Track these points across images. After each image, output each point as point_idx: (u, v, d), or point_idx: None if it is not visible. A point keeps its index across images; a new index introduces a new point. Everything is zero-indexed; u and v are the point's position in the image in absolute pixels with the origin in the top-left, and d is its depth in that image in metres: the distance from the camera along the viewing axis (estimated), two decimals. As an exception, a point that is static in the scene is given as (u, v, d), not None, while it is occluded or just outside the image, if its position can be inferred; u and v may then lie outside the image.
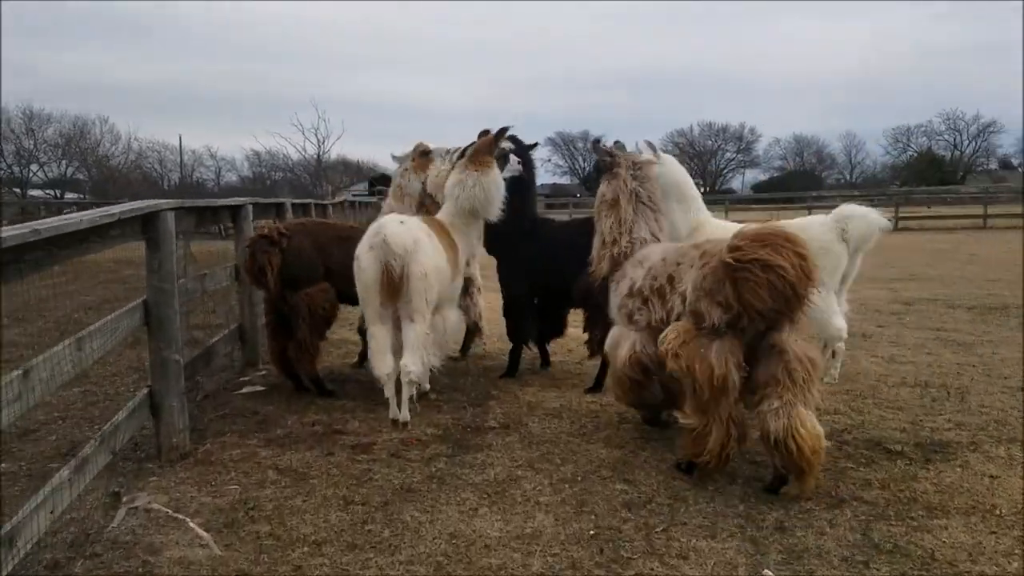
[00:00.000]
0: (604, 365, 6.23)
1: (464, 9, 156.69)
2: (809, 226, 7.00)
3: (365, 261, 5.55)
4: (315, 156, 51.35)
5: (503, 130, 6.32)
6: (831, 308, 6.96)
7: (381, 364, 5.64)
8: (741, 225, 5.80)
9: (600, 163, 5.68)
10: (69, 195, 61.94)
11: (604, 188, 5.53)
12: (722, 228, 6.31)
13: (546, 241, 6.78)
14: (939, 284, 13.55)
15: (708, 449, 4.33)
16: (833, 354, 7.14)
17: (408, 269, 5.42)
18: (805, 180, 72.32)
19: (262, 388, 6.73)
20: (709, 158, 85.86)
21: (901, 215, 31.49)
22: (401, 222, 5.61)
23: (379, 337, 5.66)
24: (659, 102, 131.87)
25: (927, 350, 8.08)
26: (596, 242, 5.55)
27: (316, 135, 51.81)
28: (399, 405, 5.62)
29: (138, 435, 5.31)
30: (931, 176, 67.43)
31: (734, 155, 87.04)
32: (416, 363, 5.51)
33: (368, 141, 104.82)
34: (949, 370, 7.15)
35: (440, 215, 6.35)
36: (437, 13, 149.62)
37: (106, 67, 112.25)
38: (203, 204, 6.51)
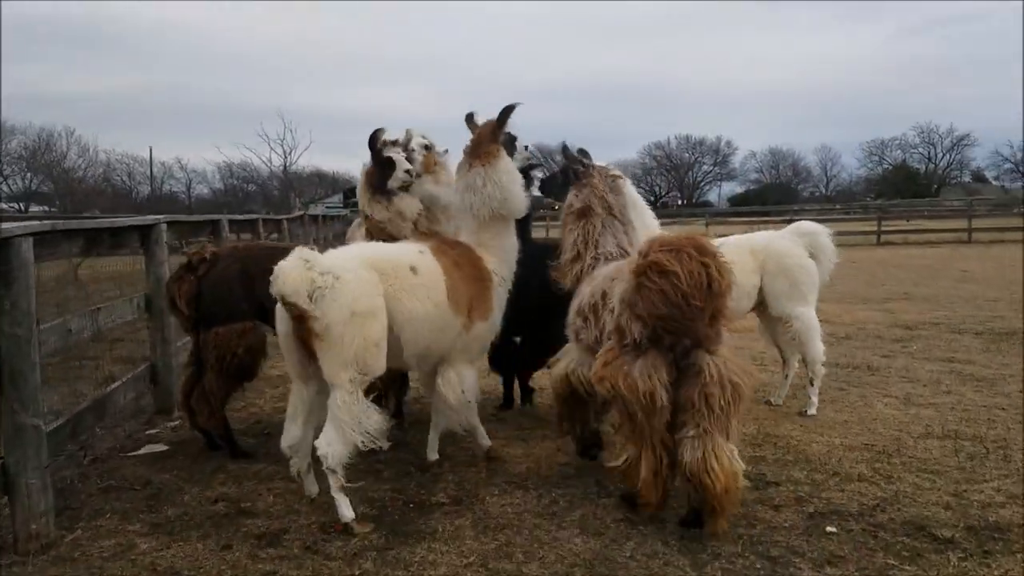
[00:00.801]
0: None
1: (431, 18, 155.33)
2: (773, 241, 6.41)
3: (278, 306, 4.29)
4: (282, 168, 49.98)
5: (509, 109, 4.97)
6: (814, 327, 6.29)
7: (284, 434, 4.43)
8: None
9: (570, 170, 5.04)
10: (34, 208, 60.27)
11: (573, 197, 4.97)
12: None
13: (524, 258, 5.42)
14: (937, 305, 12.61)
15: (642, 480, 3.97)
16: (811, 381, 6.37)
17: (310, 322, 4.09)
18: (781, 193, 72.17)
19: (165, 448, 5.56)
20: (686, 171, 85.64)
21: (883, 228, 30.77)
22: (306, 260, 4.10)
23: (292, 399, 4.45)
24: (632, 114, 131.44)
25: (945, 387, 7.08)
26: (563, 256, 5.02)
27: (283, 146, 50.49)
28: (311, 483, 4.52)
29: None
30: (906, 189, 67.32)
31: (711, 168, 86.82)
32: (333, 443, 4.09)
33: (342, 153, 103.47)
34: (978, 415, 6.15)
35: (463, 236, 5.15)
36: (401, 25, 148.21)
37: (65, 78, 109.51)
38: (94, 226, 5.37)
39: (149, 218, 6.45)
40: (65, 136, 62.85)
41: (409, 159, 5.23)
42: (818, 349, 6.29)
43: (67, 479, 4.92)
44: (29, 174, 62.89)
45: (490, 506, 4.45)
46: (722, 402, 3.79)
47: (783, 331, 6.41)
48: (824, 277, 6.44)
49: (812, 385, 6.36)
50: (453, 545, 3.97)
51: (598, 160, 5.35)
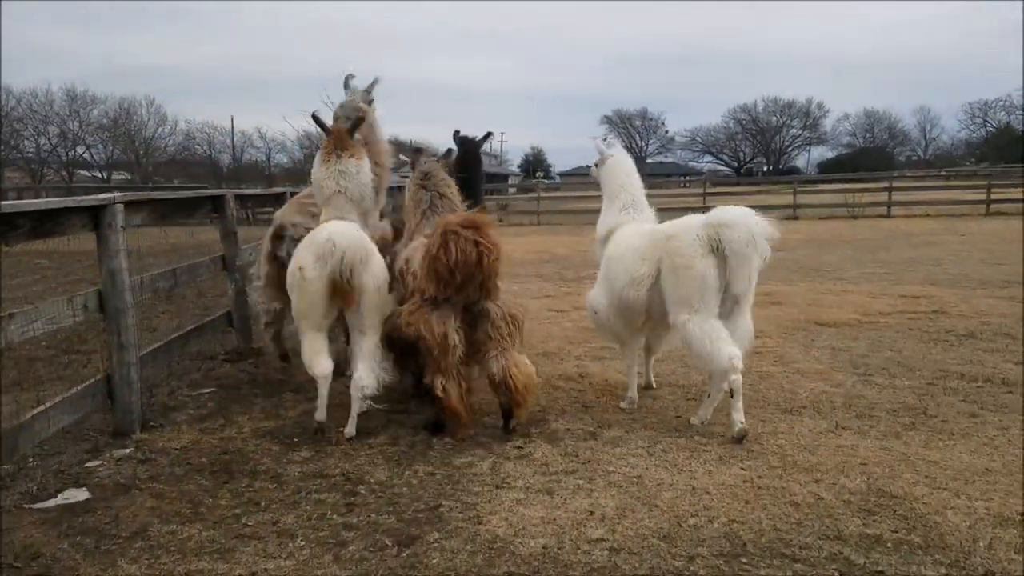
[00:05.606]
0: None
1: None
2: (677, 235, 5.28)
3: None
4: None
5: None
6: (696, 339, 5.10)
7: None
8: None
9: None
10: (116, 176, 61.26)
11: None
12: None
13: None
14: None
15: (453, 402, 4.97)
16: (732, 392, 5.09)
17: None
18: (876, 158, 68.29)
19: (86, 497, 4.24)
20: (773, 135, 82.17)
21: (993, 197, 28.02)
22: None
23: None
24: (719, 78, 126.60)
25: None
26: None
27: (345, 113, 49.71)
28: None
29: None
30: (1010, 153, 62.76)
31: (800, 132, 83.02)
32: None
33: (418, 123, 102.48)
34: None
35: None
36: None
37: (147, 51, 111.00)
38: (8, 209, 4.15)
39: (102, 197, 5.22)
40: (145, 105, 63.47)
41: None
42: (712, 360, 5.03)
43: (-57, 545, 3.75)
44: (111, 144, 63.78)
45: None
46: (508, 329, 5.04)
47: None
48: (741, 286, 5.01)
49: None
50: None
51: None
